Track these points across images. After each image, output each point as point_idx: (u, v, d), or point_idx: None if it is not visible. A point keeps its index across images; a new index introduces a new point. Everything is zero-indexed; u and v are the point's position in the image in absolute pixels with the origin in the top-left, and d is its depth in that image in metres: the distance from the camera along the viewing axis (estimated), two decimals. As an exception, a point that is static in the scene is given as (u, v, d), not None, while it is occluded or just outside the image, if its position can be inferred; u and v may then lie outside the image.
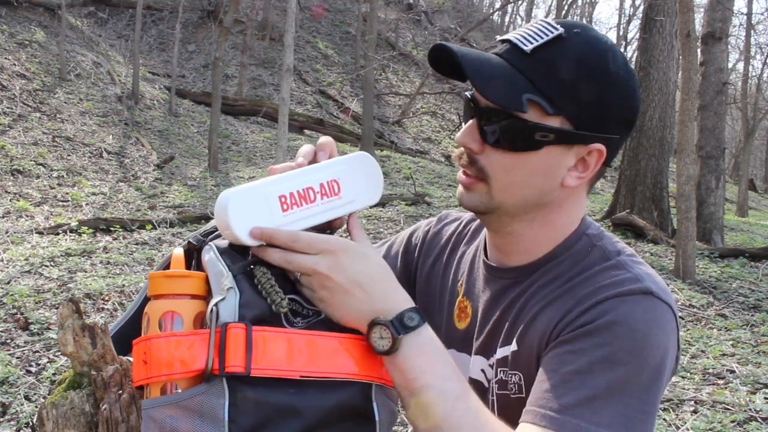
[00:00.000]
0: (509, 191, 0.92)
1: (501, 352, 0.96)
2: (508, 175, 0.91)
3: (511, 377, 0.94)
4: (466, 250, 1.12)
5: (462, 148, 0.95)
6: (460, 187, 0.97)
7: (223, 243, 0.86)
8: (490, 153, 0.91)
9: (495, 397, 0.97)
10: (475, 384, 1.00)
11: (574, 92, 0.88)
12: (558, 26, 0.89)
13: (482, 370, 1.00)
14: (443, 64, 0.93)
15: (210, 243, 0.86)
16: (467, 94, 0.95)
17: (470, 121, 0.93)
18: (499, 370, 0.96)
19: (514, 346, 0.94)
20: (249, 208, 0.82)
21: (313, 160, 0.91)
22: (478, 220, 1.13)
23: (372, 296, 0.82)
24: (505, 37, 0.92)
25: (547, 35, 0.88)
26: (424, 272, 1.16)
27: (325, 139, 0.93)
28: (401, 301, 0.84)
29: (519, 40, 0.89)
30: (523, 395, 0.92)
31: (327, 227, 0.91)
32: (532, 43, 0.88)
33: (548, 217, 0.96)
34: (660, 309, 0.86)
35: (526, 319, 0.94)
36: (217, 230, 0.89)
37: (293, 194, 0.85)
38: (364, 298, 0.82)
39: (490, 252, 1.04)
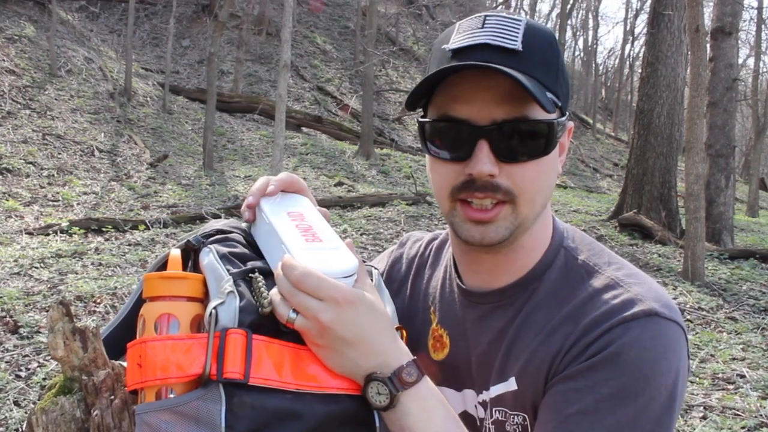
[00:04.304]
0: (534, 202, 0.88)
1: (496, 389, 0.92)
2: (535, 185, 0.87)
3: (512, 418, 0.90)
4: (432, 273, 1.07)
5: (478, 179, 0.85)
6: (476, 228, 0.88)
7: (222, 248, 0.85)
8: (510, 170, 0.85)
9: None
10: (468, 419, 0.97)
11: (561, 77, 0.86)
12: (516, 15, 0.85)
13: (475, 406, 0.96)
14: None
15: (210, 246, 0.86)
16: (455, 116, 0.85)
17: (479, 145, 0.84)
18: (494, 409, 0.92)
19: (513, 385, 0.90)
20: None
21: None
22: (439, 240, 1.10)
23: (372, 351, 0.80)
24: (473, 42, 0.83)
25: (519, 25, 0.83)
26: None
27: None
28: (401, 355, 0.82)
29: (498, 40, 0.82)
30: None
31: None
32: (516, 39, 0.83)
33: (542, 216, 0.92)
34: (667, 330, 0.82)
35: (524, 354, 0.89)
36: (218, 233, 0.89)
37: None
38: (364, 352, 0.80)
39: (469, 276, 0.98)
